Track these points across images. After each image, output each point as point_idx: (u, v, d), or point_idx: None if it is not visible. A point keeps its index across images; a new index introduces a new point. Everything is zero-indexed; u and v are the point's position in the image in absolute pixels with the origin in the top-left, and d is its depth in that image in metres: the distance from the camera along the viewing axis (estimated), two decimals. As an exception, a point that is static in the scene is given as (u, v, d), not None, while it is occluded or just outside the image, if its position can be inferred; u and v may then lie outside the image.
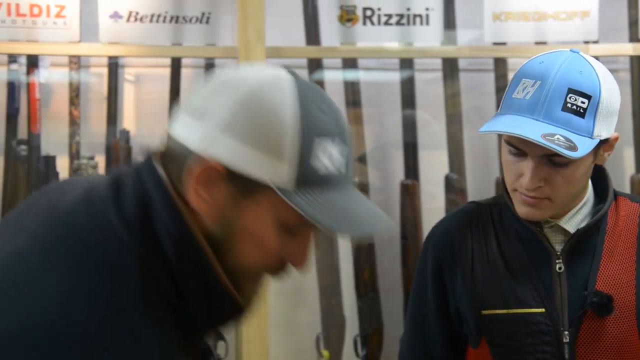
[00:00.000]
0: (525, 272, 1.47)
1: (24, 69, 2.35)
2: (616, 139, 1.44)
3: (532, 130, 1.34)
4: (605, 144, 1.42)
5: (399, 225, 2.54)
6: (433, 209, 2.59)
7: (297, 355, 2.63)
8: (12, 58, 2.35)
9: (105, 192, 0.99)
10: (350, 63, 2.50)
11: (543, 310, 1.44)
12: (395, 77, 2.54)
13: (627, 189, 2.59)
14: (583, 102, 1.35)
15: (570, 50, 1.42)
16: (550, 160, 1.38)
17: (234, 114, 0.95)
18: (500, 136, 2.59)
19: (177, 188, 0.97)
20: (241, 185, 0.96)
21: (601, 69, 1.41)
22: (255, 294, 1.04)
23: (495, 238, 1.51)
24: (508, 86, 1.43)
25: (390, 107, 2.61)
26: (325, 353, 2.53)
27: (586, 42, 2.48)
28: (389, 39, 2.42)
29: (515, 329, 1.45)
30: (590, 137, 1.37)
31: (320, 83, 2.50)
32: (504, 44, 2.49)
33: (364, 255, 2.50)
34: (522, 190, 1.42)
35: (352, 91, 2.51)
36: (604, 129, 1.39)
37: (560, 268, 1.46)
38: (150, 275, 0.95)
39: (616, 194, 1.53)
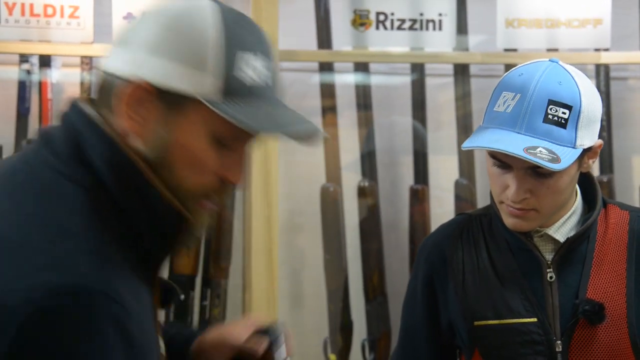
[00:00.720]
0: (517, 281, 1.48)
1: (35, 68, 2.35)
2: (600, 146, 1.45)
3: (514, 144, 1.36)
4: (589, 152, 1.44)
5: (408, 230, 2.54)
6: (442, 214, 2.59)
7: None
8: (24, 58, 2.35)
9: (36, 143, 1.04)
10: (362, 67, 2.50)
11: (535, 319, 1.45)
12: (406, 81, 2.54)
13: (636, 198, 2.59)
14: (564, 113, 1.37)
15: (550, 60, 1.44)
16: (535, 172, 1.39)
17: (158, 35, 0.99)
18: None
19: (107, 118, 1.00)
20: (170, 101, 0.98)
21: (581, 78, 1.43)
22: (204, 218, 1.05)
23: (486, 248, 1.52)
24: (490, 99, 1.45)
25: (400, 112, 2.62)
26: (332, 357, 2.53)
27: (597, 50, 2.48)
28: (401, 44, 2.42)
29: (508, 339, 1.46)
30: (573, 147, 1.38)
31: (331, 86, 2.50)
32: (515, 50, 2.49)
33: (373, 259, 2.50)
34: (508, 202, 1.43)
35: (364, 95, 2.51)
36: (587, 138, 1.41)
37: (551, 277, 1.47)
38: (91, 200, 0.97)
39: (606, 202, 1.54)
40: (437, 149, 2.59)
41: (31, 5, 2.27)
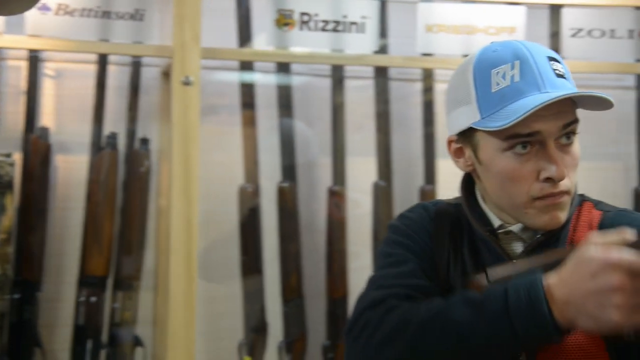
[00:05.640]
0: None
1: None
2: None
3: (558, 94, 1.20)
4: None
5: (325, 231, 2.54)
6: (359, 215, 2.61)
7: (219, 362, 2.60)
8: None
9: None
10: (284, 67, 2.48)
11: None
12: (326, 82, 2.54)
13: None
14: (562, 67, 1.27)
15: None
16: (558, 143, 1.24)
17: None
18: (428, 142, 2.58)
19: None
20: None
21: None
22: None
23: (468, 241, 1.34)
24: (471, 87, 1.26)
25: (320, 113, 2.62)
26: (247, 359, 2.50)
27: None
28: (324, 45, 2.42)
29: None
30: None
31: (251, 85, 2.47)
32: (431, 55, 2.53)
33: (292, 261, 2.49)
34: (547, 190, 1.24)
35: (285, 95, 2.49)
36: None
37: None
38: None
39: (583, 199, 1.36)
40: (355, 151, 2.60)
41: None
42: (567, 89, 1.25)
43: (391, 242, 1.34)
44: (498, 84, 1.25)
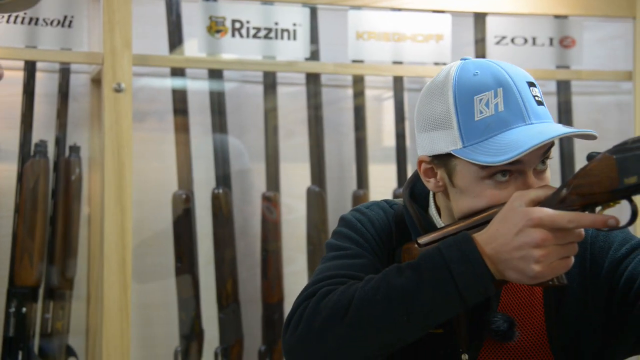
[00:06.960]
0: None
1: None
2: None
3: (548, 131, 1.18)
4: None
5: (260, 237, 2.55)
6: (293, 220, 2.63)
7: (154, 370, 2.58)
8: None
9: None
10: (216, 73, 2.49)
11: (440, 330, 1.27)
12: (259, 89, 2.56)
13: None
14: (539, 91, 1.24)
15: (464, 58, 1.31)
16: (535, 169, 1.24)
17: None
18: (360, 147, 2.62)
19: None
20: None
21: None
22: None
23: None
24: (452, 112, 1.23)
25: (253, 119, 2.63)
26: (183, 366, 2.49)
27: (436, 64, 2.62)
28: (256, 52, 2.44)
29: (417, 349, 1.28)
30: None
31: (183, 92, 2.47)
32: (362, 61, 2.58)
33: (227, 266, 2.49)
34: None
35: (218, 101, 2.50)
36: None
37: None
38: None
39: None
40: (289, 157, 2.62)
41: None
42: (548, 118, 1.23)
43: (342, 235, 1.33)
44: (481, 112, 1.21)
